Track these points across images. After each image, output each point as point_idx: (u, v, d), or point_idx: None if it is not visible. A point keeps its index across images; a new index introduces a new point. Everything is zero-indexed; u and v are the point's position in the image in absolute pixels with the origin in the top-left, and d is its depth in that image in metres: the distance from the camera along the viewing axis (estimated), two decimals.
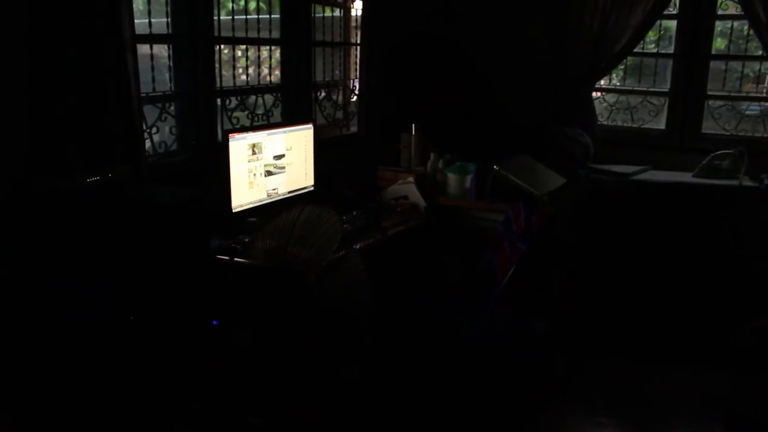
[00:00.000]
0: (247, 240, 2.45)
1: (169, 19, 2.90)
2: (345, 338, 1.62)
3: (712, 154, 3.91)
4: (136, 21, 2.40)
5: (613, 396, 3.16)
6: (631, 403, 3.11)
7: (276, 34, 3.57)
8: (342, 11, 4.12)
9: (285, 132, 2.96)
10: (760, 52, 4.23)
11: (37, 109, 2.14)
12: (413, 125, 3.80)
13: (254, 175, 2.80)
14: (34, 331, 1.98)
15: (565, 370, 3.35)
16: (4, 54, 2.08)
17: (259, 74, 3.46)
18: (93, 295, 1.92)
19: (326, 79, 3.99)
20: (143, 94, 2.59)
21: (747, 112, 4.37)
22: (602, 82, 4.58)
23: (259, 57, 3.45)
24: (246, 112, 3.37)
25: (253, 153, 2.77)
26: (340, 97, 4.15)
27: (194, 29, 2.98)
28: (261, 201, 2.85)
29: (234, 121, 3.26)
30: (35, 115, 2.13)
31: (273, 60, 3.58)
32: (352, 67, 4.26)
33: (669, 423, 2.97)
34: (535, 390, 3.14)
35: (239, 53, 3.36)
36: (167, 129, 2.94)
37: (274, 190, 2.92)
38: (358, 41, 4.13)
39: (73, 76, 2.18)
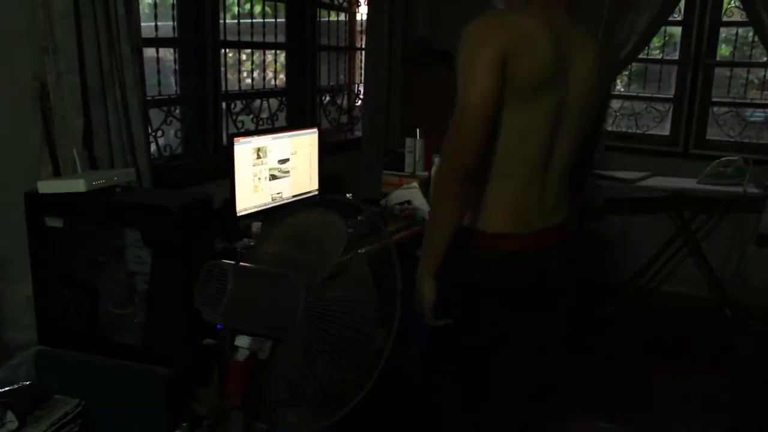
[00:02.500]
0: (251, 244, 2.45)
1: (175, 23, 2.91)
2: (350, 344, 1.61)
3: (716, 161, 3.90)
4: (142, 24, 2.41)
5: (615, 399, 3.15)
6: (633, 407, 3.10)
7: (281, 38, 3.58)
8: (347, 16, 4.13)
9: (290, 136, 2.96)
10: (765, 59, 4.23)
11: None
12: (417, 130, 3.79)
13: (259, 179, 2.80)
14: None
15: (568, 373, 3.34)
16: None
17: (264, 78, 3.47)
18: (95, 296, 1.92)
19: (331, 84, 4.00)
20: (149, 98, 2.59)
21: (752, 119, 4.37)
22: None
23: (264, 61, 3.45)
24: (251, 116, 3.37)
25: (258, 157, 2.78)
26: (345, 102, 4.15)
27: (200, 33, 2.99)
28: (265, 205, 2.85)
29: (239, 124, 3.27)
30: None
31: (278, 64, 3.59)
32: (357, 72, 4.27)
33: (671, 427, 2.96)
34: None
35: (244, 57, 3.36)
36: (172, 132, 2.94)
37: (278, 194, 2.92)
38: (363, 46, 4.13)
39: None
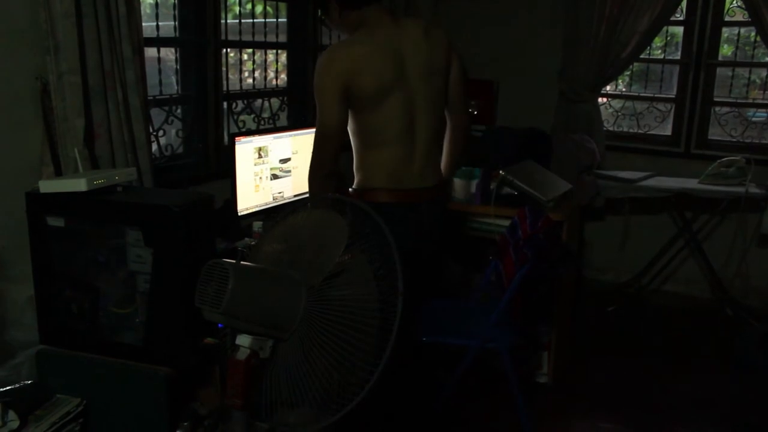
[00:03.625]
0: (253, 243, 2.45)
1: (176, 23, 2.91)
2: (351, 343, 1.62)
3: (718, 161, 3.90)
4: (143, 24, 2.41)
5: (616, 398, 3.15)
6: (634, 406, 3.10)
7: (283, 38, 3.58)
8: None
9: (291, 136, 2.96)
10: (767, 59, 4.22)
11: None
12: None
13: (260, 178, 2.80)
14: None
15: (568, 373, 3.34)
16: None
17: (265, 78, 3.47)
18: (96, 296, 1.92)
19: None
20: (150, 97, 2.60)
21: (753, 119, 4.36)
22: (608, 87, 4.57)
23: (265, 60, 3.46)
24: (252, 116, 3.37)
25: (259, 156, 2.78)
26: None
27: (201, 33, 2.99)
28: (267, 204, 2.85)
29: (240, 124, 3.27)
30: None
31: (279, 64, 3.59)
32: None
33: (672, 427, 2.96)
34: (536, 393, 3.13)
35: (246, 57, 3.36)
36: (174, 132, 2.95)
37: (279, 193, 2.92)
38: None
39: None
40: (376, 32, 2.21)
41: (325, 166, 2.20)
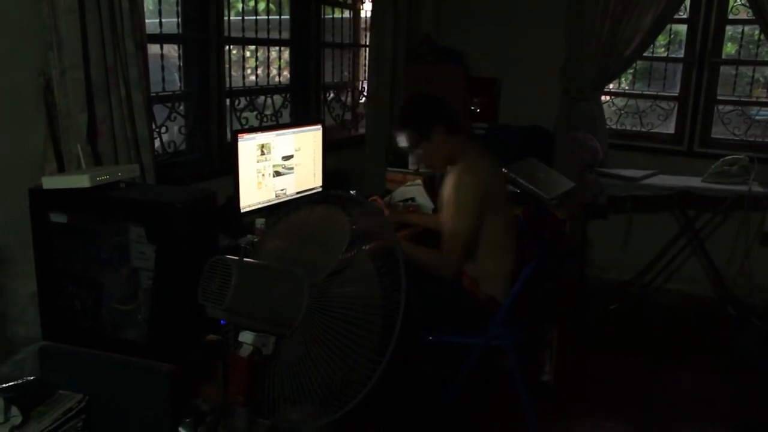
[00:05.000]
0: (255, 240, 2.45)
1: (179, 19, 2.91)
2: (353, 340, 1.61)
3: (721, 159, 3.89)
4: (146, 21, 2.41)
5: (617, 397, 3.15)
6: (636, 405, 3.09)
7: (285, 35, 3.58)
8: (351, 13, 4.12)
9: (294, 133, 2.96)
10: None
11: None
12: None
13: (263, 175, 2.80)
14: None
15: (570, 372, 3.34)
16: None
17: (268, 75, 3.47)
18: (99, 292, 1.92)
19: (335, 81, 3.99)
20: (153, 94, 2.59)
21: (757, 117, 4.36)
22: (611, 85, 4.57)
23: (268, 58, 3.45)
24: (255, 113, 3.37)
25: (262, 153, 2.78)
26: (349, 99, 4.15)
27: (204, 29, 2.99)
28: (269, 201, 2.85)
29: (243, 121, 3.27)
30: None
31: (282, 61, 3.58)
32: (361, 69, 4.26)
33: (674, 425, 2.95)
34: (538, 392, 3.12)
35: (248, 54, 3.36)
36: (176, 129, 2.94)
37: (282, 190, 2.92)
38: (367, 43, 4.13)
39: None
40: (487, 157, 2.68)
41: (451, 267, 2.54)
